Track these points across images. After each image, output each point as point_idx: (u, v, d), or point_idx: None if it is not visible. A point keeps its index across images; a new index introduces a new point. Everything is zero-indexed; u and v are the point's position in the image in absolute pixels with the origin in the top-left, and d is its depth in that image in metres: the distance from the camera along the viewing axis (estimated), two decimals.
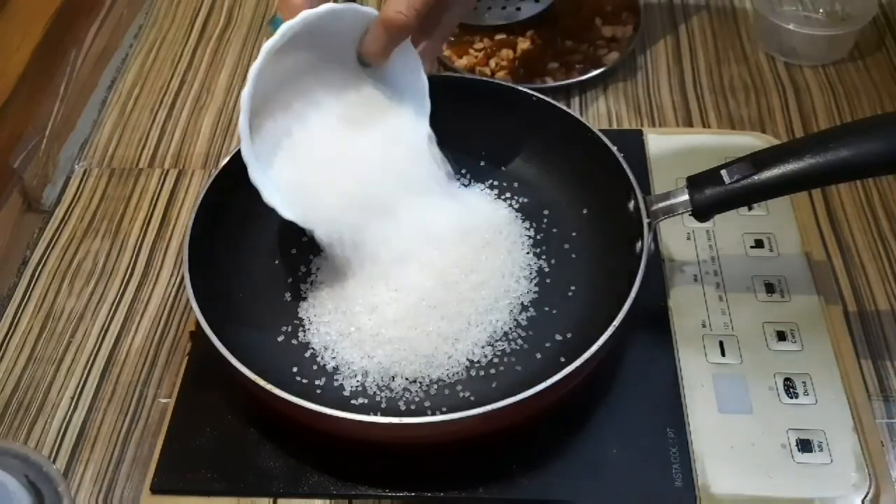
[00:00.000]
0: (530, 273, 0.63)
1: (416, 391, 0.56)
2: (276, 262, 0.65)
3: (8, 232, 0.70)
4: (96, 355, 0.65)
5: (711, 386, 0.57)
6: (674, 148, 0.72)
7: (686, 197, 0.57)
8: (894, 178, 0.72)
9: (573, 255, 0.64)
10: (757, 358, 0.59)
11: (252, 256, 0.65)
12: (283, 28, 0.54)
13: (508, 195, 0.68)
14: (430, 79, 0.62)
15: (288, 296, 0.63)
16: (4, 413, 0.62)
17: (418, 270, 0.59)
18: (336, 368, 0.58)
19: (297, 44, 0.55)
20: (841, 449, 0.54)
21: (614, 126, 0.79)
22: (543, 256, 0.64)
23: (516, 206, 0.67)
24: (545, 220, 0.66)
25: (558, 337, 0.59)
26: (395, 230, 0.60)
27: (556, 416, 0.56)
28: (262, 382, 0.51)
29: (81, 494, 0.58)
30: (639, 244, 0.57)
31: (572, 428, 0.56)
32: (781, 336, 0.60)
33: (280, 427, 0.56)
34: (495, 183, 0.69)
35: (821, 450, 0.54)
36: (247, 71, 0.54)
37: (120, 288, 0.69)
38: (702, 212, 0.57)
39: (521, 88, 0.68)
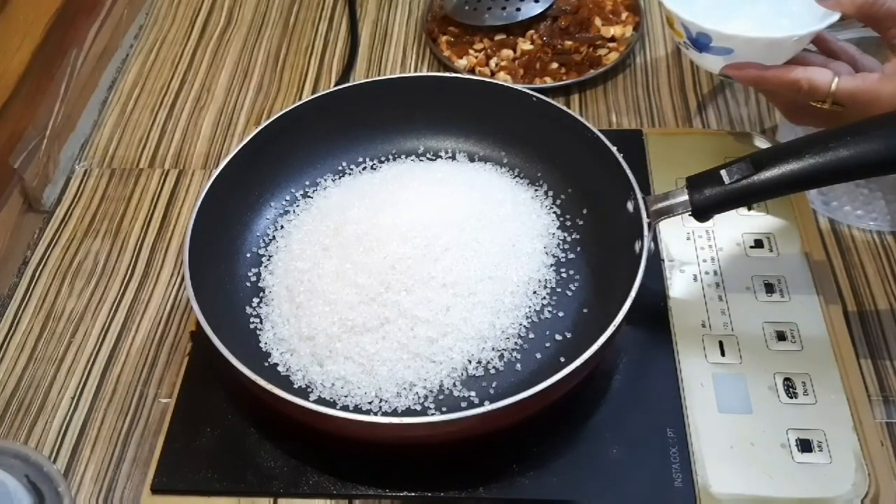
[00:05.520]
0: (531, 274, 0.62)
1: (416, 391, 0.56)
2: None
3: (8, 232, 0.70)
4: (96, 355, 0.65)
5: (711, 386, 0.57)
6: (674, 148, 0.72)
7: (686, 197, 0.57)
8: None
9: (573, 255, 0.64)
10: (757, 358, 0.59)
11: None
12: None
13: None
14: (430, 79, 0.61)
15: None
16: (4, 413, 0.62)
17: (419, 272, 0.59)
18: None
19: None
20: (841, 449, 0.54)
21: (614, 126, 0.79)
22: (543, 256, 0.64)
23: None
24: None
25: (558, 337, 0.59)
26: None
27: (556, 416, 0.56)
28: (262, 382, 0.51)
29: (81, 494, 0.58)
30: (639, 244, 0.57)
31: (572, 428, 0.56)
32: (781, 336, 0.60)
33: (280, 427, 0.56)
34: None
35: (820, 450, 0.54)
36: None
37: (120, 288, 0.69)
38: (701, 212, 0.57)
39: (521, 88, 0.68)
